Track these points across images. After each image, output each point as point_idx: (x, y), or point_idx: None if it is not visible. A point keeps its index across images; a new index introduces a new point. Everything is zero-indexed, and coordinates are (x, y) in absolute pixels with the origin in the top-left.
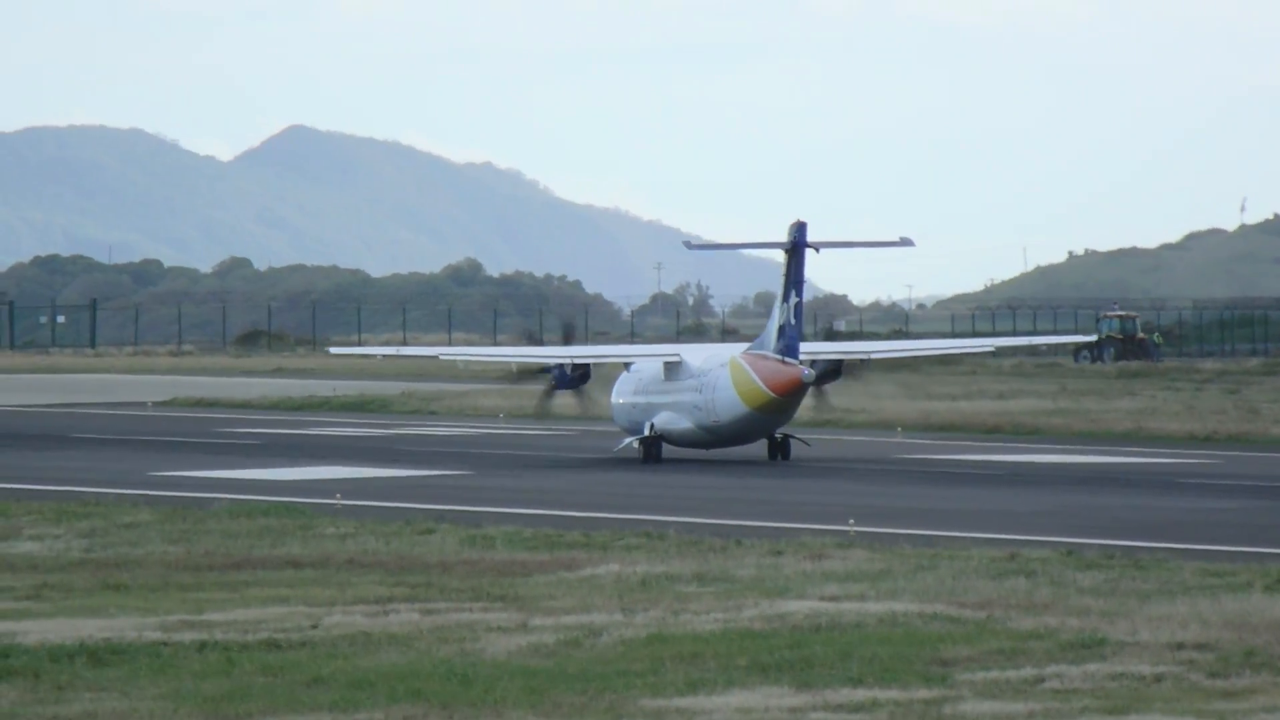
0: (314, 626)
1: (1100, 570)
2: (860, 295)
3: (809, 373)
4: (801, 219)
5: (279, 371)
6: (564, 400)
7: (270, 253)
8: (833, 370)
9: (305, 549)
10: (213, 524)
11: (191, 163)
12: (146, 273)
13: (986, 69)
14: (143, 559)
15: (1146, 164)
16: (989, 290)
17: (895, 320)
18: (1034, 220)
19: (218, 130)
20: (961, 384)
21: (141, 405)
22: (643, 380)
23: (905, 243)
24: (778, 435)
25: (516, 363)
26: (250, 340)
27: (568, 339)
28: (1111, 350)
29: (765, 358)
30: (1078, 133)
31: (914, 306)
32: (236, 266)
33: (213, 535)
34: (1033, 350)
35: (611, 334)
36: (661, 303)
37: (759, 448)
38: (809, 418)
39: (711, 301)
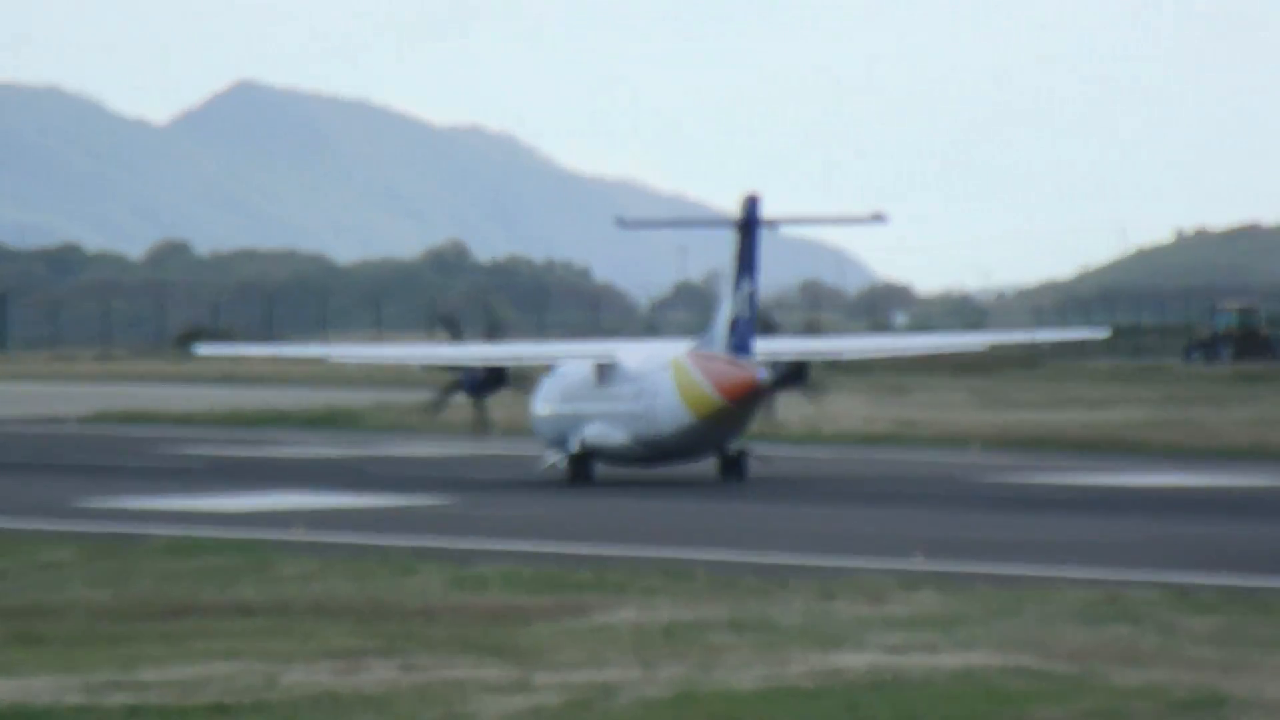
0: (270, 686)
1: (1217, 614)
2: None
3: (765, 375)
4: (754, 192)
5: (228, 378)
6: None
7: (215, 235)
8: (795, 372)
9: (259, 593)
10: (148, 563)
11: (119, 128)
12: (66, 260)
13: (1069, 21)
14: (64, 606)
15: (1268, 127)
16: (1082, 278)
17: (968, 315)
18: (1135, 194)
19: (150, 89)
20: (1047, 390)
21: (63, 420)
22: (570, 385)
23: (877, 219)
24: (731, 451)
25: (428, 374)
26: (192, 341)
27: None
28: (1229, 349)
29: (714, 358)
30: (1187, 92)
31: (993, 297)
32: (174, 252)
33: (148, 577)
34: (1135, 349)
35: (627, 329)
36: (686, 293)
37: (705, 466)
38: (851, 431)
39: None
